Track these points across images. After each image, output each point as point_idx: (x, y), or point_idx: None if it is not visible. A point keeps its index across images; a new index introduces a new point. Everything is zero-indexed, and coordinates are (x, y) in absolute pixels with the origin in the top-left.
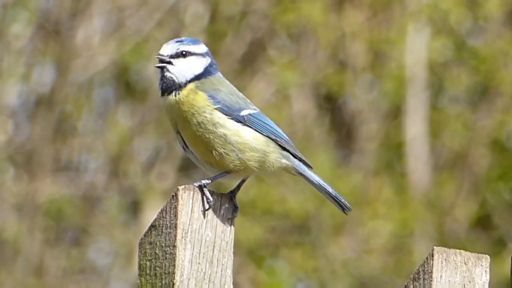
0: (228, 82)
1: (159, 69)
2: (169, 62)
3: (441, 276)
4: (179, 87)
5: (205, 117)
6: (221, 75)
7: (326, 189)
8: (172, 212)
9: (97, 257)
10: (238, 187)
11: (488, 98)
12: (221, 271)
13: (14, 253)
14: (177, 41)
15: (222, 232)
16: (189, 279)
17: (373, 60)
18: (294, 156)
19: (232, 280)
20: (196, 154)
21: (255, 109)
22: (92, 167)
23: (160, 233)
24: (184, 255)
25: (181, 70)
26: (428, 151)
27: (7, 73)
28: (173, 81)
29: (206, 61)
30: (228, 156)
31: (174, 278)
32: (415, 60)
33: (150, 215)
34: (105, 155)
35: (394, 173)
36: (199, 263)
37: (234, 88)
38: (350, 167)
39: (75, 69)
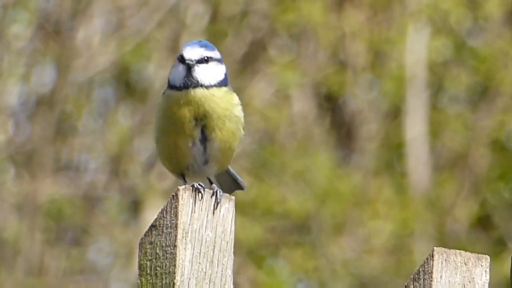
0: None
1: (185, 66)
2: (193, 65)
3: (441, 276)
4: (206, 88)
5: (236, 115)
6: None
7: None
8: (172, 212)
9: (97, 257)
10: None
11: (488, 98)
12: (222, 271)
13: (14, 253)
14: (200, 46)
15: (223, 232)
16: (189, 279)
17: (373, 60)
18: None
19: (232, 280)
20: (218, 138)
21: None
22: (92, 167)
23: (160, 233)
24: (184, 255)
25: (205, 75)
26: (428, 151)
27: (7, 73)
28: (197, 81)
29: (224, 68)
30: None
31: (174, 278)
32: (415, 60)
33: (150, 215)
34: (105, 155)
35: (394, 173)
36: (199, 263)
37: None
38: (350, 167)
39: (75, 69)
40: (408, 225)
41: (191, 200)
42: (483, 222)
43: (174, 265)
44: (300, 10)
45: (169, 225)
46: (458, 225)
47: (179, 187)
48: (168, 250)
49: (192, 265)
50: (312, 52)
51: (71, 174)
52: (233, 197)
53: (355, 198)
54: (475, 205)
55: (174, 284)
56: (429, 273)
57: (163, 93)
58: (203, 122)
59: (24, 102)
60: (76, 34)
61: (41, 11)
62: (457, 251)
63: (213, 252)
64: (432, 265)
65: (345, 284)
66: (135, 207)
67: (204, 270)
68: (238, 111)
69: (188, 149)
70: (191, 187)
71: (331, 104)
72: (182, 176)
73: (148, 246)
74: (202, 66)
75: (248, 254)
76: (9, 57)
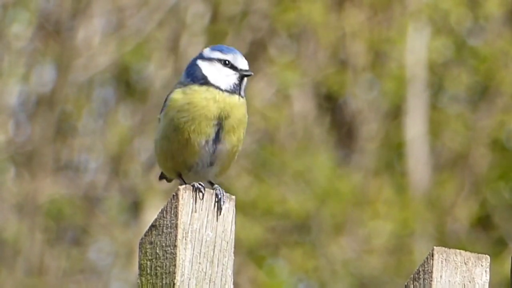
0: None
1: (237, 74)
2: (250, 75)
3: (441, 276)
4: (241, 97)
5: (245, 121)
6: None
7: None
8: (172, 212)
9: (98, 257)
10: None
11: (488, 98)
12: (222, 271)
13: (15, 253)
14: (245, 58)
15: (223, 232)
16: (189, 279)
17: (373, 60)
18: None
19: (232, 280)
20: (230, 141)
21: None
22: (92, 167)
23: (160, 233)
24: (184, 255)
25: (244, 87)
26: (428, 151)
27: (7, 73)
28: (240, 91)
29: None
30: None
31: (174, 278)
32: (415, 60)
33: (150, 215)
34: (106, 155)
35: (394, 173)
36: (199, 263)
37: None
38: (350, 167)
39: (76, 69)
40: (408, 225)
41: (191, 200)
42: (483, 222)
43: (174, 265)
44: (300, 10)
45: (169, 225)
46: (458, 225)
47: (179, 186)
48: (168, 250)
49: (192, 265)
50: (312, 52)
51: (71, 174)
52: (233, 197)
53: (355, 198)
54: (475, 205)
55: (174, 284)
56: (429, 272)
57: (182, 86)
58: (222, 124)
59: (24, 102)
60: (76, 34)
61: (41, 11)
62: (457, 250)
63: (213, 252)
64: (432, 264)
65: (345, 284)
66: (135, 207)
67: (204, 270)
68: (246, 118)
69: (200, 147)
70: (191, 187)
71: (331, 104)
72: (180, 176)
73: (148, 246)
74: (246, 78)
75: (248, 254)
76: (9, 57)
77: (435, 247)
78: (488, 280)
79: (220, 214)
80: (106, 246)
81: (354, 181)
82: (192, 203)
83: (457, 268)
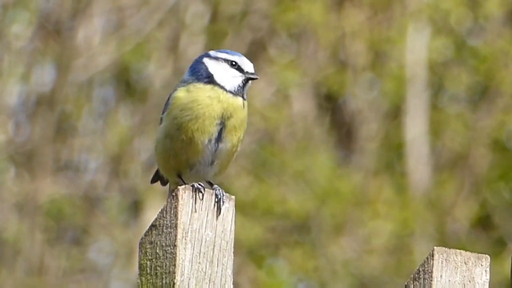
0: None
1: (243, 77)
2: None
3: (441, 276)
4: (244, 99)
5: (246, 123)
6: None
7: None
8: (172, 212)
9: (98, 257)
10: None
11: (488, 98)
12: (222, 270)
13: (15, 253)
14: (251, 62)
15: (222, 231)
16: (189, 279)
17: (373, 60)
18: None
19: (232, 280)
20: (231, 140)
21: None
22: (92, 167)
23: (160, 233)
24: (184, 255)
25: (247, 89)
26: (428, 151)
27: (7, 73)
28: (244, 93)
29: None
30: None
31: (174, 278)
32: (415, 60)
33: (150, 215)
34: (106, 155)
35: (394, 173)
36: (199, 262)
37: None
38: (350, 167)
39: (76, 69)
40: (408, 225)
41: (191, 200)
42: (483, 222)
43: (174, 265)
44: (300, 10)
45: (169, 225)
46: (458, 225)
47: (179, 187)
48: (168, 250)
49: (192, 265)
50: (312, 52)
51: (71, 174)
52: (233, 197)
53: (355, 198)
54: (475, 205)
55: (174, 283)
56: (429, 272)
57: (185, 84)
58: (225, 123)
59: (24, 102)
60: (76, 34)
61: (41, 11)
62: (457, 250)
63: (213, 252)
64: (432, 264)
65: (345, 284)
66: (135, 207)
67: (204, 270)
68: (247, 120)
69: (203, 146)
70: (191, 187)
71: (331, 104)
72: (179, 176)
73: (148, 246)
74: (251, 81)
75: (248, 254)
76: (9, 57)
77: (435, 247)
78: (488, 280)
79: (219, 214)
80: (106, 246)
81: (354, 181)
82: (192, 203)
83: (457, 268)
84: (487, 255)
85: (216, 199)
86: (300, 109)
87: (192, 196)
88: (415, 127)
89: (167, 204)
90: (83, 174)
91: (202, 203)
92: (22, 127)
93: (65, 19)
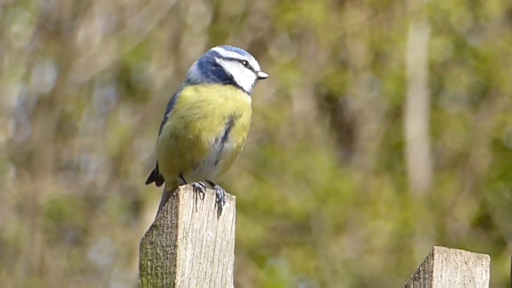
0: None
1: (255, 76)
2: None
3: (441, 276)
4: (250, 96)
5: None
6: None
7: None
8: (173, 212)
9: (98, 257)
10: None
11: (488, 98)
12: (222, 271)
13: (15, 253)
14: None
15: (223, 231)
16: (190, 279)
17: (374, 60)
18: None
19: (233, 280)
20: (236, 141)
21: None
22: (93, 167)
23: (161, 233)
24: (185, 255)
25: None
26: (428, 151)
27: (8, 73)
28: (251, 90)
29: None
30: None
31: (175, 278)
32: (416, 60)
33: (151, 215)
34: (106, 155)
35: (394, 172)
36: (200, 263)
37: None
38: (351, 167)
39: (76, 69)
40: (408, 225)
41: (192, 200)
42: (483, 222)
43: (175, 265)
44: (301, 10)
45: (170, 225)
46: (458, 225)
47: (179, 186)
48: (168, 250)
49: (192, 265)
50: (313, 52)
51: (72, 174)
52: (234, 197)
53: (355, 198)
54: (475, 205)
55: (174, 284)
56: (430, 272)
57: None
58: (234, 122)
59: (25, 102)
60: (77, 34)
61: (42, 11)
62: (457, 250)
63: (214, 252)
64: (433, 264)
65: (345, 284)
66: (135, 207)
67: (204, 270)
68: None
69: (210, 145)
70: (192, 187)
71: (331, 104)
72: (181, 176)
73: (148, 246)
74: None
75: (249, 254)
76: (10, 57)
77: (435, 246)
78: (488, 280)
79: (220, 214)
80: (107, 246)
81: (355, 181)
82: (193, 203)
83: (457, 268)
84: (487, 255)
85: (217, 199)
86: (300, 109)
87: (193, 196)
88: (415, 127)
89: (167, 204)
90: (84, 174)
91: (203, 203)
92: (22, 127)
93: (65, 19)
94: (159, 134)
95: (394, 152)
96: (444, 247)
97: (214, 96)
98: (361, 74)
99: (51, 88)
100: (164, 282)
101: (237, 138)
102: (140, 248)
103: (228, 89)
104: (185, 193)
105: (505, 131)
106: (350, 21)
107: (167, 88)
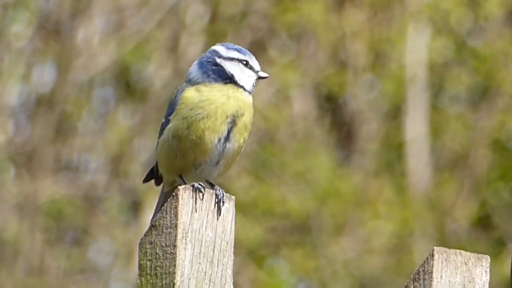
0: None
1: (255, 75)
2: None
3: (441, 276)
4: (251, 96)
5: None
6: None
7: None
8: (172, 212)
9: (98, 257)
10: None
11: (488, 98)
12: (222, 271)
13: (15, 253)
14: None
15: (223, 232)
16: (189, 279)
17: (374, 60)
18: None
19: (232, 280)
20: (238, 140)
21: None
22: (92, 167)
23: (160, 233)
24: (184, 255)
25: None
26: (428, 151)
27: (7, 73)
28: (252, 90)
29: None
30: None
31: (174, 278)
32: (416, 60)
33: (150, 215)
34: (106, 155)
35: (394, 173)
36: (199, 263)
37: None
38: (351, 167)
39: (76, 69)
40: (408, 225)
41: (191, 200)
42: (483, 222)
43: (174, 265)
44: (300, 10)
45: (169, 225)
46: (458, 225)
47: (179, 187)
48: (168, 250)
49: (192, 265)
50: (313, 52)
51: (72, 174)
52: (233, 197)
53: (355, 198)
54: (475, 205)
55: (174, 284)
56: (429, 273)
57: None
58: (236, 122)
59: (24, 102)
60: (76, 34)
61: (41, 11)
62: (457, 251)
63: (213, 252)
64: (432, 265)
65: (345, 284)
66: (135, 207)
67: (204, 270)
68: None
69: (213, 145)
70: (191, 187)
71: (331, 104)
72: (180, 176)
73: (148, 246)
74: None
75: (249, 254)
76: (9, 57)
77: (435, 247)
78: (488, 280)
79: (220, 214)
80: (106, 246)
81: (354, 181)
82: (192, 203)
83: (457, 268)
84: (487, 256)
85: (216, 199)
86: (300, 110)
87: (192, 196)
88: (415, 127)
89: (167, 204)
90: (83, 174)
91: (202, 203)
92: (22, 127)
93: (65, 19)
94: (159, 136)
95: (394, 152)
96: (444, 248)
97: (216, 95)
98: (361, 74)
99: (50, 88)
100: (164, 282)
101: (239, 138)
102: (140, 248)
103: (229, 89)
104: (184, 193)
105: (505, 131)
106: (350, 21)
107: (166, 88)
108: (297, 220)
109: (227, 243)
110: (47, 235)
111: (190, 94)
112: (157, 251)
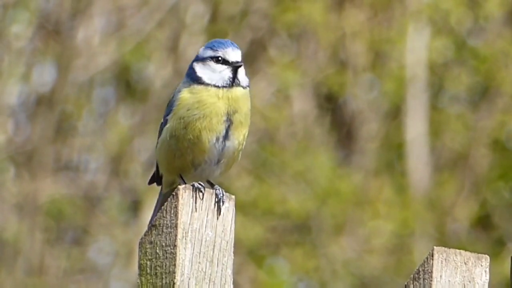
0: None
1: (230, 68)
2: (241, 66)
3: (441, 276)
4: (243, 88)
5: (249, 115)
6: None
7: None
8: (172, 212)
9: (98, 256)
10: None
11: (488, 98)
12: (222, 270)
13: (15, 253)
14: (237, 48)
15: (223, 231)
16: (189, 279)
17: (374, 60)
18: None
19: (232, 279)
20: (237, 138)
21: None
22: (92, 167)
23: (160, 233)
24: (184, 255)
25: (243, 76)
26: (428, 151)
27: (7, 73)
28: (239, 82)
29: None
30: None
31: (174, 278)
32: (416, 60)
33: (150, 214)
34: (106, 155)
35: (394, 173)
36: (199, 262)
37: None
38: (351, 167)
39: (76, 69)
40: (408, 225)
41: (191, 200)
42: (483, 222)
43: (174, 265)
44: (300, 10)
45: (169, 224)
46: (458, 225)
47: (179, 186)
48: (168, 249)
49: (192, 265)
50: (312, 52)
51: (72, 174)
52: (233, 197)
53: (355, 198)
54: (475, 205)
55: (174, 283)
56: (429, 272)
57: (187, 86)
58: (232, 119)
59: (24, 102)
60: (76, 34)
61: (41, 11)
62: (457, 250)
63: (213, 252)
64: (432, 264)
65: (345, 284)
66: (135, 207)
67: (204, 269)
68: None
69: (210, 144)
70: (191, 187)
71: (331, 104)
72: (181, 177)
73: (148, 246)
74: (241, 68)
75: (249, 254)
76: (9, 57)
77: (435, 247)
78: (488, 280)
79: (220, 213)
80: (106, 246)
81: (354, 181)
82: (192, 203)
83: (457, 268)
84: (487, 256)
85: (216, 199)
86: (300, 109)
87: (192, 196)
88: (415, 127)
89: (167, 204)
90: (83, 174)
91: (202, 203)
92: (22, 127)
93: (65, 19)
94: (158, 136)
95: (394, 152)
96: (443, 248)
97: (205, 96)
98: (361, 74)
99: (50, 87)
100: (164, 282)
101: (238, 135)
102: (140, 248)
103: (211, 89)
104: (184, 193)
105: (505, 131)
106: (350, 21)
107: (166, 88)
108: (297, 220)
109: (227, 242)
110: (47, 235)
111: (186, 95)
112: (157, 250)
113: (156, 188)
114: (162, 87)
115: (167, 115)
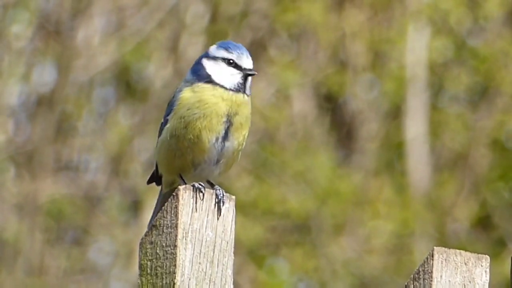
0: None
1: (241, 74)
2: (254, 75)
3: (441, 276)
4: (246, 95)
5: (249, 119)
6: None
7: None
8: (172, 212)
9: (98, 257)
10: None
11: (488, 98)
12: (222, 271)
13: (15, 253)
14: (250, 55)
15: (223, 232)
16: (189, 279)
17: (374, 60)
18: None
19: (232, 280)
20: (237, 139)
21: None
22: (92, 167)
23: (160, 233)
24: (184, 255)
25: (250, 85)
26: (428, 151)
27: (8, 73)
28: (245, 89)
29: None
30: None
31: (175, 278)
32: (415, 60)
33: (150, 215)
34: (106, 155)
35: (394, 173)
36: (199, 263)
37: None
38: (351, 167)
39: (76, 69)
40: (408, 225)
41: (192, 200)
42: (483, 222)
43: (175, 265)
44: (300, 10)
45: (170, 225)
46: (458, 225)
47: (179, 187)
48: (168, 250)
49: (192, 265)
50: (312, 52)
51: (72, 174)
52: (233, 197)
53: (355, 198)
54: (475, 205)
55: (174, 284)
56: (429, 272)
57: (189, 85)
58: (232, 121)
59: (24, 102)
60: (77, 34)
61: (41, 11)
62: (457, 251)
63: (213, 252)
64: (432, 264)
65: (345, 284)
66: (135, 207)
67: (204, 270)
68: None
69: (210, 144)
70: (191, 187)
71: (331, 104)
72: (180, 177)
73: (148, 246)
74: (251, 76)
75: (249, 254)
76: (10, 57)
77: (435, 247)
78: (488, 281)
79: (220, 214)
80: (106, 246)
81: (354, 181)
82: (192, 203)
83: (457, 268)
84: (487, 256)
85: (217, 199)
86: (300, 109)
87: (193, 196)
88: (415, 127)
89: (167, 204)
90: (84, 174)
91: (203, 203)
92: (22, 127)
93: (65, 19)
94: (158, 136)
95: (394, 152)
96: (444, 248)
97: (207, 95)
98: (360, 74)
99: (51, 88)
100: (164, 282)
101: (238, 136)
102: (140, 248)
103: (219, 89)
104: (184, 193)
105: (504, 131)
106: (350, 21)
107: (166, 88)
108: (297, 220)
109: (227, 243)
110: (47, 235)
111: (187, 94)
112: (158, 251)
113: (156, 188)
114: (162, 87)
115: (168, 115)
